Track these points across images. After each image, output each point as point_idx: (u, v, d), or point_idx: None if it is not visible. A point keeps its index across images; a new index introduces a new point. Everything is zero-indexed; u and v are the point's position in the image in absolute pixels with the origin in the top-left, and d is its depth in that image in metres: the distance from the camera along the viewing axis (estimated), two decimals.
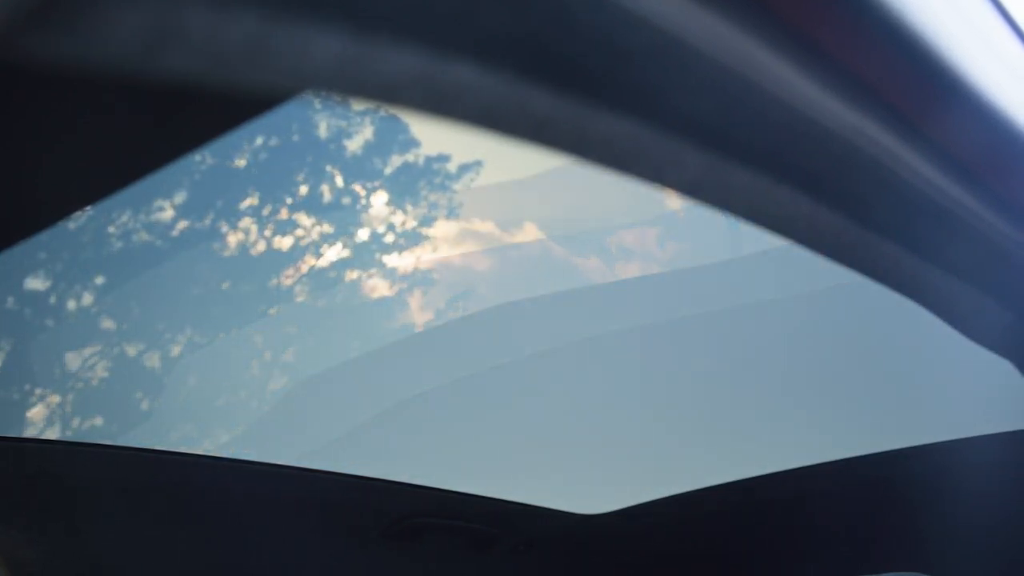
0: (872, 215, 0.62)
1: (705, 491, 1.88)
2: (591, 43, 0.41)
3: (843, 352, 2.33)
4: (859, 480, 1.77)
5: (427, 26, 0.37)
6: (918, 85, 0.58)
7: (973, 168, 0.66)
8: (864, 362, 2.21)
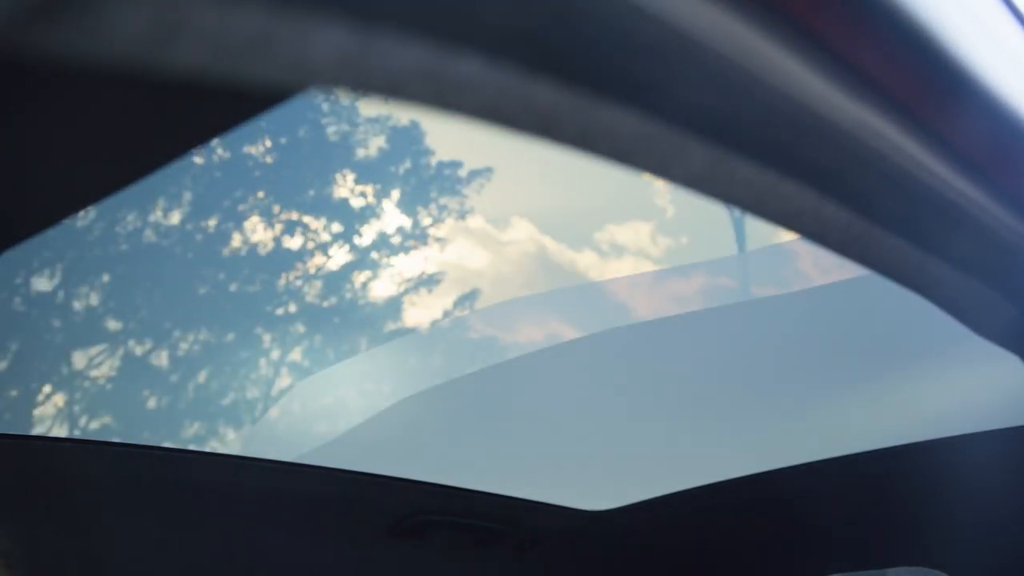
0: (878, 209, 0.62)
1: (711, 487, 1.88)
2: (596, 36, 0.41)
3: (850, 347, 2.33)
4: (866, 476, 1.77)
5: (432, 20, 0.37)
6: (925, 80, 0.58)
7: (980, 163, 0.66)
8: (870, 357, 2.21)
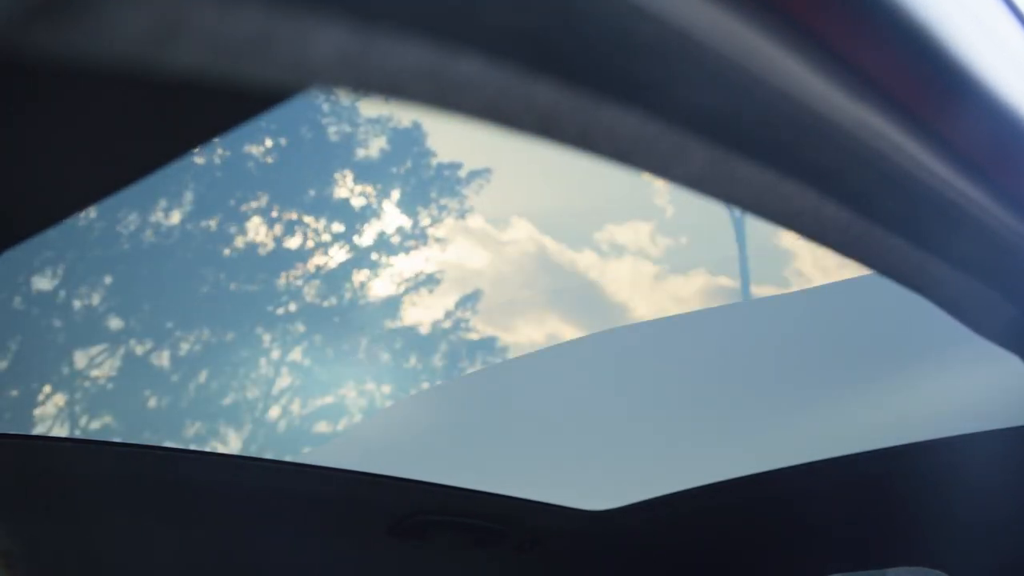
0: (878, 209, 0.62)
1: (711, 487, 1.88)
2: (597, 36, 0.41)
3: (850, 347, 2.33)
4: (866, 476, 1.77)
5: (433, 20, 0.37)
6: (925, 80, 0.58)
7: (980, 163, 0.66)
8: (870, 357, 2.21)
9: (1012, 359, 0.85)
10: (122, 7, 0.30)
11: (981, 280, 0.73)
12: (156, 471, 1.54)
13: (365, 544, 1.81)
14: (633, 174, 0.50)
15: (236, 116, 0.44)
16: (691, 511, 1.93)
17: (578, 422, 2.55)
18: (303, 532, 1.73)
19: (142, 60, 0.32)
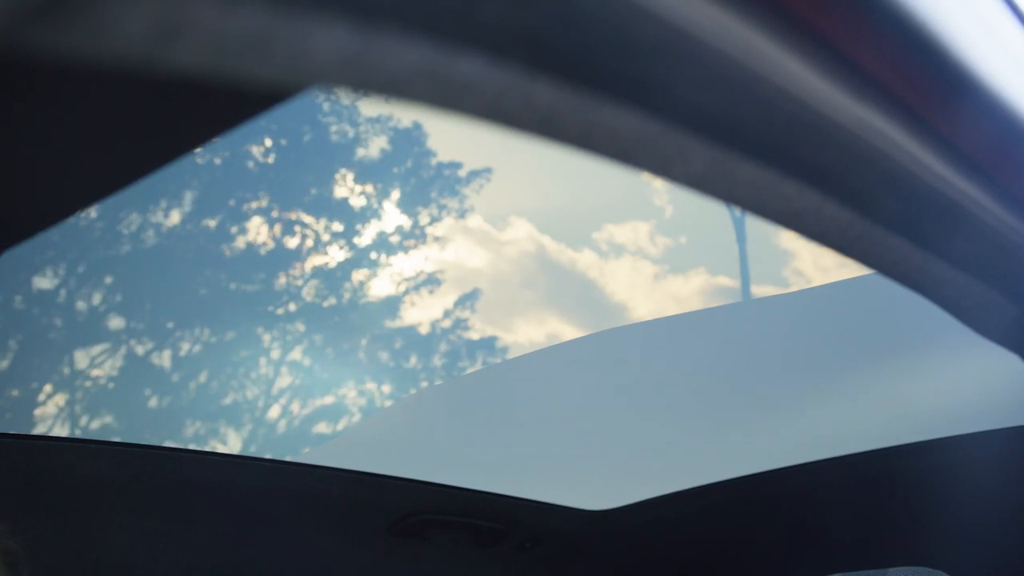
0: (879, 209, 0.62)
1: (711, 487, 1.88)
2: (598, 36, 0.41)
3: (850, 347, 2.33)
4: (866, 476, 1.77)
5: (434, 19, 0.37)
6: (926, 79, 0.58)
7: (981, 162, 0.66)
8: (870, 356, 2.21)
9: (1012, 359, 0.85)
10: (122, 7, 0.30)
11: (981, 280, 0.73)
12: (156, 471, 1.54)
13: (365, 544, 1.81)
14: (633, 174, 0.50)
15: (236, 116, 0.44)
16: (691, 511, 1.93)
17: (578, 422, 2.55)
18: (303, 531, 1.73)
19: (142, 60, 0.32)
